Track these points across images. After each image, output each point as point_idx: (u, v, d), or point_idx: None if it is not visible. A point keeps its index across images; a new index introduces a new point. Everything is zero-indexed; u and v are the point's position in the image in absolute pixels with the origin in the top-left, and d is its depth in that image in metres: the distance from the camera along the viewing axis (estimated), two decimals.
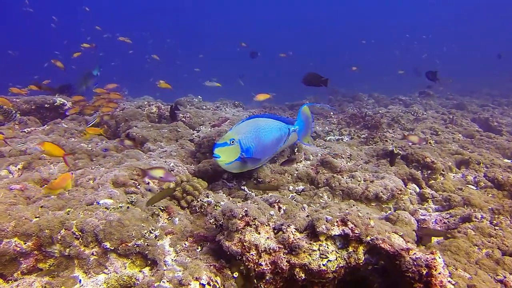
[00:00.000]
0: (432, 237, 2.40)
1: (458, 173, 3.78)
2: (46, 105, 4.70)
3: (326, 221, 1.59)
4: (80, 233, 1.82)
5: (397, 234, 1.64)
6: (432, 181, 3.33)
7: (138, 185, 2.45)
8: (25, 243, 1.75)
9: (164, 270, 1.66)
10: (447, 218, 2.62)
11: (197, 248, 1.93)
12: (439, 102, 9.58)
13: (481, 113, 7.51)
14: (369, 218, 1.63)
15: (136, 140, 3.73)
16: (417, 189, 3.16)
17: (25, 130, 4.04)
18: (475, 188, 3.34)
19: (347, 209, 1.83)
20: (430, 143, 4.82)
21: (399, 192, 2.86)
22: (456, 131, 5.74)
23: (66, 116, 4.49)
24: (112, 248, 1.79)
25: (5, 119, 4.35)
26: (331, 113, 6.68)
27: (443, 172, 3.46)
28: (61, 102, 4.76)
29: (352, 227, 1.57)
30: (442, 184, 3.25)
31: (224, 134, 2.58)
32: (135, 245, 1.82)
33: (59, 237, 1.79)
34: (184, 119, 4.44)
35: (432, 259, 1.39)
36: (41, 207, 1.95)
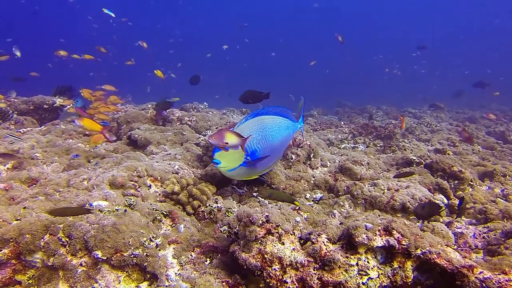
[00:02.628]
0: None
1: (483, 186, 3.49)
2: (45, 106, 4.46)
3: (366, 229, 1.30)
4: (67, 239, 1.54)
5: (451, 247, 1.34)
6: (460, 192, 3.04)
7: (139, 187, 2.17)
8: (0, 250, 1.46)
9: (167, 286, 1.37)
10: (486, 233, 2.31)
11: (206, 261, 1.63)
12: (449, 115, 9.33)
13: (495, 127, 7.24)
14: (417, 227, 1.34)
15: (138, 143, 3.46)
16: (445, 200, 2.85)
17: (20, 130, 3.80)
18: (505, 201, 3.04)
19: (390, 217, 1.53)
20: (449, 153, 4.55)
21: None
22: (474, 143, 5.46)
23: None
24: (105, 258, 1.50)
25: (1, 118, 4.10)
26: (342, 122, 6.42)
27: (472, 183, 3.17)
28: (61, 104, 4.53)
29: (398, 237, 1.27)
30: (472, 196, 2.95)
31: None
32: (132, 255, 1.53)
33: (42, 243, 1.51)
34: (189, 123, 4.18)
35: (506, 280, 1.10)
36: (24, 208, 1.67)
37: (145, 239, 1.61)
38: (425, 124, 6.93)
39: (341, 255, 1.29)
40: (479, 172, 3.79)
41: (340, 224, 1.43)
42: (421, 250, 1.25)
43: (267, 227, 1.38)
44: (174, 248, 1.69)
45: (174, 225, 1.84)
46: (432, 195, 2.82)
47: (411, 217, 2.55)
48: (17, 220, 1.58)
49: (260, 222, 1.38)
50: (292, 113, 2.67)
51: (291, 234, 1.39)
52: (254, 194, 2.47)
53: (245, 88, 3.01)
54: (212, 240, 1.75)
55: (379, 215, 2.41)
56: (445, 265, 1.21)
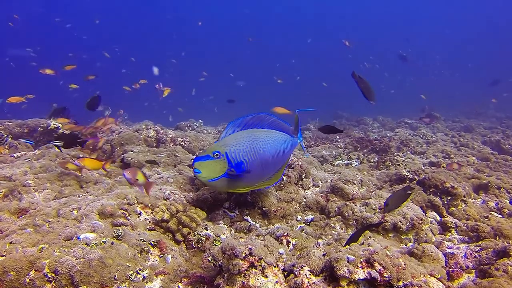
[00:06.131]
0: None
1: (477, 199, 3.49)
2: (39, 129, 4.50)
3: (348, 261, 1.31)
4: (53, 274, 1.54)
5: (434, 276, 1.34)
6: (453, 208, 3.03)
7: (128, 215, 2.18)
8: None
9: None
10: (478, 252, 2.30)
11: None
12: (446, 125, 9.38)
13: (491, 136, 7.27)
14: (399, 258, 1.35)
15: (131, 166, 3.48)
16: (438, 218, 2.85)
17: (14, 155, 3.81)
18: (499, 216, 3.04)
19: (371, 246, 1.53)
20: (443, 166, 4.56)
21: (420, 222, 2.57)
22: (469, 154, 5.48)
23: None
24: None
25: None
26: (337, 137, 6.44)
27: (465, 199, 3.16)
28: (56, 126, 4.56)
29: (380, 269, 1.28)
30: (465, 212, 2.95)
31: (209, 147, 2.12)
32: None
33: (28, 280, 1.51)
34: (183, 143, 4.20)
35: None
36: (10, 243, 1.68)
37: (131, 272, 1.61)
38: (421, 136, 6.96)
39: None
40: (474, 185, 3.79)
41: (323, 255, 1.43)
42: (403, 282, 1.26)
43: (250, 260, 1.38)
44: (161, 280, 1.69)
45: (162, 255, 1.84)
46: (424, 213, 2.82)
47: (403, 237, 2.55)
48: (2, 256, 1.58)
49: (243, 255, 1.39)
50: (287, 125, 2.57)
51: (275, 267, 1.39)
52: (245, 217, 2.47)
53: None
54: (199, 270, 1.75)
55: (370, 237, 2.40)
56: None
